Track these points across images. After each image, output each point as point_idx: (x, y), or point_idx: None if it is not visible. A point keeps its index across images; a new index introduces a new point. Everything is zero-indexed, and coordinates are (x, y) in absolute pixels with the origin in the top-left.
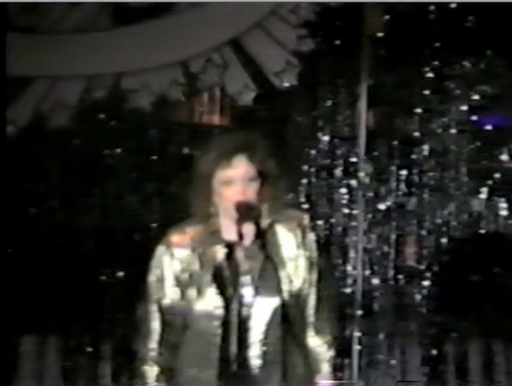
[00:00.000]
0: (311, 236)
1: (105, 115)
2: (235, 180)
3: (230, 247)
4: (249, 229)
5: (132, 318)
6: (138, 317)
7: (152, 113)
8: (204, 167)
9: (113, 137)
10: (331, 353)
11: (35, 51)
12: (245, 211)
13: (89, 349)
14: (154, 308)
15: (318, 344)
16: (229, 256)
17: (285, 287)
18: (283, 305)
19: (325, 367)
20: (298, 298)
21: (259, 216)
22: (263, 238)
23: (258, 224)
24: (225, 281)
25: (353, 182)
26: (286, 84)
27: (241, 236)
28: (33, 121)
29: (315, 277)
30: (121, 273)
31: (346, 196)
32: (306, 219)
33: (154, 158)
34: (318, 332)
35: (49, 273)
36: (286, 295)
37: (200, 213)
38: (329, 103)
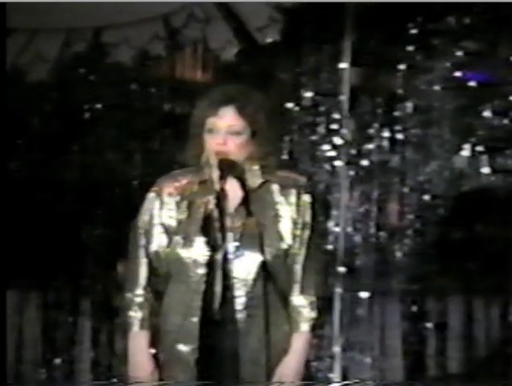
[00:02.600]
0: (306, 198)
1: (85, 69)
2: (219, 130)
3: (220, 198)
4: (234, 185)
5: (112, 275)
6: (125, 263)
7: (133, 68)
8: (196, 115)
9: (94, 92)
10: (313, 314)
11: (14, 3)
12: (226, 166)
13: (69, 305)
14: (141, 254)
15: (302, 304)
16: (219, 207)
17: (268, 246)
18: (265, 263)
19: (304, 327)
20: (286, 257)
21: (242, 172)
22: (248, 196)
23: (242, 181)
24: (212, 231)
25: (336, 139)
26: (269, 40)
27: (222, 190)
28: (12, 75)
29: (306, 237)
30: (101, 230)
31: (329, 153)
32: (302, 180)
33: (135, 113)
34: (303, 292)
35: (29, 229)
36: (269, 254)
37: (191, 161)
38: (312, 59)
